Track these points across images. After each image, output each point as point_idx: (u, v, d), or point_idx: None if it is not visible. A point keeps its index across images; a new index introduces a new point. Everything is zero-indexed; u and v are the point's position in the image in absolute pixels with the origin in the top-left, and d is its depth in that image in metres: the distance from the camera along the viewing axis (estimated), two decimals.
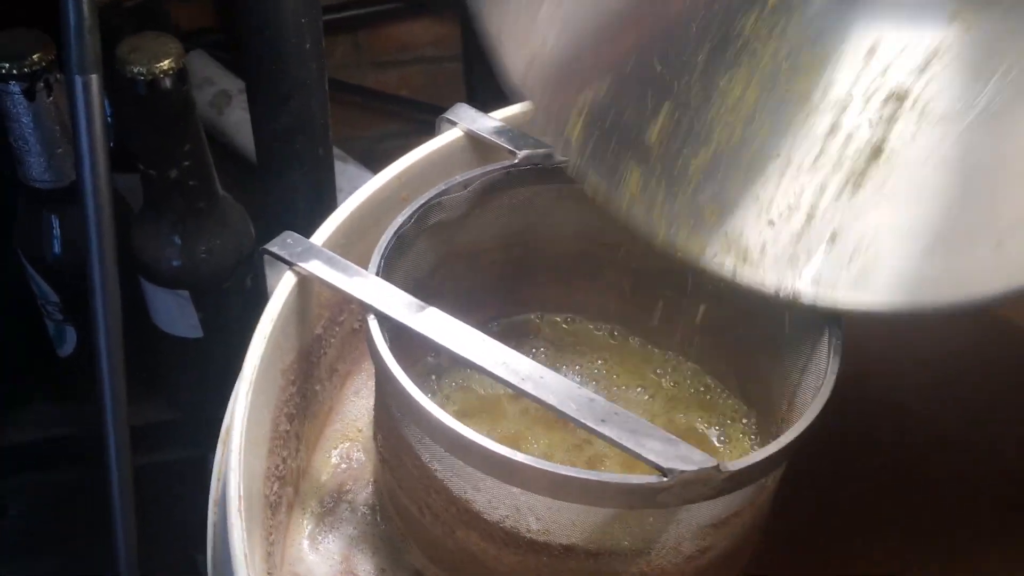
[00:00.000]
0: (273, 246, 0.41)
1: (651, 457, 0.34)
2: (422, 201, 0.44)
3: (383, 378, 0.38)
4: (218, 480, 0.38)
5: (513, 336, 0.53)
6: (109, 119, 0.58)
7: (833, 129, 0.39)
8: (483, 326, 0.52)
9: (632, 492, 0.34)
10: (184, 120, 0.54)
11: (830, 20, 0.39)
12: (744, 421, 0.49)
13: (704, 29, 0.39)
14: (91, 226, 0.54)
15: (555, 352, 0.52)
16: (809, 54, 0.39)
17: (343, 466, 0.46)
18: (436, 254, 0.47)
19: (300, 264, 0.40)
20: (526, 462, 0.34)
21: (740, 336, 0.48)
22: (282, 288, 0.40)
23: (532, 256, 0.51)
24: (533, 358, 0.51)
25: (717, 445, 0.49)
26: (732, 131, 0.40)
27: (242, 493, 0.33)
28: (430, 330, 0.38)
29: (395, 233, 0.43)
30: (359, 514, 0.44)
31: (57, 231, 0.59)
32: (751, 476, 0.36)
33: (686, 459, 0.34)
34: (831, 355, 0.40)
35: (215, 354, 0.64)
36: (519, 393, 0.36)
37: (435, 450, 0.37)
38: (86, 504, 0.73)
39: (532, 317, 0.54)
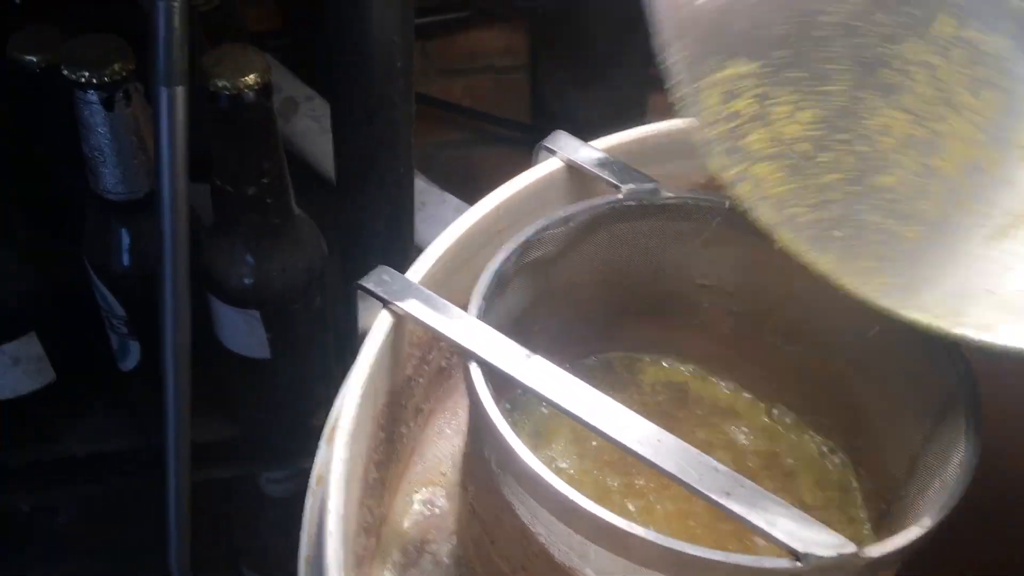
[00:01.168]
0: (368, 282, 0.38)
1: (784, 539, 0.31)
2: (522, 238, 0.41)
3: (485, 431, 0.35)
4: (309, 539, 0.35)
5: (608, 374, 0.50)
6: None
7: None
8: (577, 361, 0.50)
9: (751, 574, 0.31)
10: (267, 137, 0.51)
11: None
12: (854, 485, 0.46)
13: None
14: (167, 241, 0.52)
15: (647, 396, 0.49)
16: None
17: (426, 512, 0.44)
18: (534, 290, 0.44)
19: (396, 303, 0.38)
20: (646, 537, 0.31)
21: (850, 390, 0.45)
22: (378, 329, 0.37)
23: (629, 293, 0.48)
24: (627, 401, 0.49)
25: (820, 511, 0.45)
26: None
27: (340, 560, 0.30)
28: (538, 383, 0.36)
29: (495, 272, 0.40)
30: (443, 567, 0.42)
31: (127, 243, 0.57)
32: (891, 561, 0.33)
33: (823, 543, 0.31)
34: (969, 425, 0.37)
35: (281, 374, 0.62)
36: (634, 456, 0.34)
37: (540, 513, 0.35)
38: (136, 515, 0.72)
39: (627, 355, 0.51)
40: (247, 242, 0.56)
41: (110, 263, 0.57)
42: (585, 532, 0.33)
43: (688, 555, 0.31)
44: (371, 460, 0.38)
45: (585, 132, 0.49)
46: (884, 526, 0.43)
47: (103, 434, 0.67)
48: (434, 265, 0.40)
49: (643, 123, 0.50)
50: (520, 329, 0.45)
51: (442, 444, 0.46)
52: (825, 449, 0.48)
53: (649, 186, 0.44)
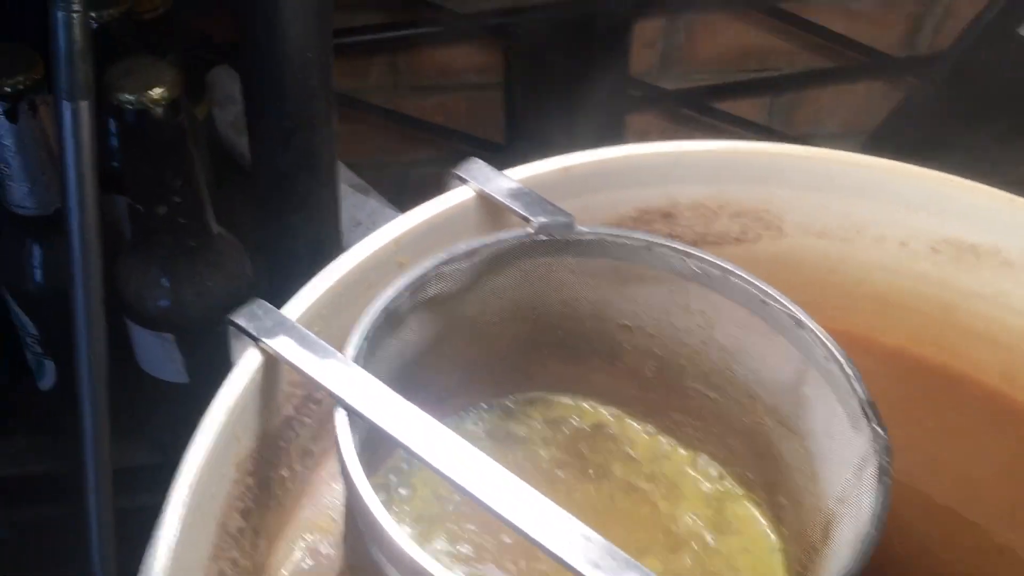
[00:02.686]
0: (239, 317, 0.36)
1: None
2: (417, 273, 0.39)
3: (347, 485, 0.33)
4: None
5: (525, 414, 0.47)
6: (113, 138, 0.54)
7: None
8: (495, 400, 0.47)
9: None
10: (176, 154, 0.49)
11: None
12: (773, 542, 0.43)
13: None
14: (76, 260, 0.50)
15: (555, 435, 0.47)
16: None
17: (308, 562, 0.41)
18: (436, 329, 0.42)
19: (266, 340, 0.35)
20: None
21: (771, 443, 0.43)
22: (242, 370, 0.35)
23: (546, 332, 0.45)
24: (534, 443, 0.46)
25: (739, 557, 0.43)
26: None
27: None
28: (405, 434, 0.33)
29: (383, 309, 0.37)
30: None
31: (39, 260, 0.54)
32: None
33: None
34: (878, 494, 0.34)
35: (201, 399, 0.59)
36: (496, 517, 0.31)
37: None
38: (59, 541, 0.69)
39: (546, 395, 0.48)
40: (162, 263, 0.53)
41: (22, 280, 0.55)
42: None
43: None
44: (232, 508, 0.35)
45: (560, 152, 0.46)
46: None
47: (21, 456, 0.64)
48: (317, 301, 0.38)
49: (622, 143, 0.48)
50: (419, 368, 0.42)
51: (335, 488, 0.43)
52: (749, 504, 0.45)
53: (563, 220, 0.42)
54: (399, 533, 0.30)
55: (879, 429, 0.35)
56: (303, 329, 0.36)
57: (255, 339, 0.35)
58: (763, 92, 1.11)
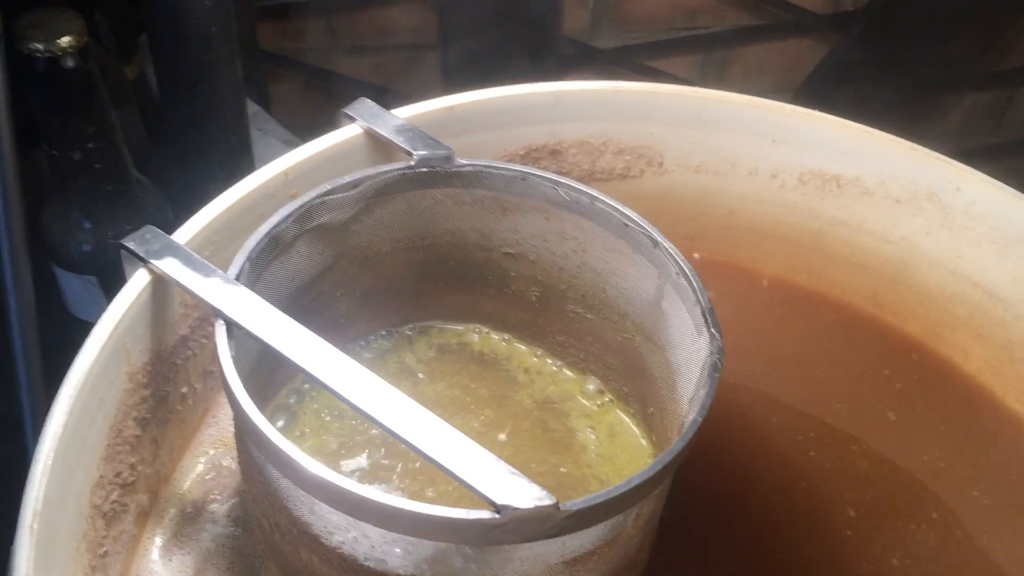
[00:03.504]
0: (130, 241, 0.39)
1: (485, 491, 0.32)
2: (303, 200, 0.42)
3: (225, 390, 0.36)
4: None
5: (415, 343, 0.50)
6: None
7: None
8: (393, 329, 0.51)
9: (462, 527, 0.32)
10: (87, 100, 0.52)
11: None
12: (645, 449, 0.47)
13: None
14: None
15: (451, 362, 0.50)
16: None
17: (212, 474, 0.44)
18: (324, 256, 0.45)
19: (154, 262, 0.38)
20: (347, 488, 0.32)
21: (640, 357, 0.46)
22: (130, 287, 0.38)
23: (436, 262, 0.49)
24: (428, 367, 0.50)
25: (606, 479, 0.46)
26: None
27: (39, 508, 0.31)
28: (278, 340, 0.36)
29: (267, 233, 0.40)
30: (220, 526, 0.42)
31: None
32: (598, 515, 0.33)
33: (523, 495, 0.32)
34: (705, 389, 0.37)
35: None
36: (355, 410, 0.34)
37: (269, 469, 0.35)
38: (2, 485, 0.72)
39: (442, 324, 0.51)
40: (81, 207, 0.56)
41: None
42: (302, 485, 0.34)
43: (389, 506, 0.32)
44: (128, 416, 0.38)
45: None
46: None
47: None
48: (206, 228, 0.41)
49: None
50: (315, 295, 0.45)
51: None
52: (624, 416, 0.48)
53: (443, 153, 0.45)
54: (266, 424, 0.33)
55: (715, 332, 0.39)
56: (189, 251, 0.39)
57: (143, 260, 0.38)
58: (694, 50, 1.14)
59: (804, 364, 0.52)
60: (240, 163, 0.56)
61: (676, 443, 0.35)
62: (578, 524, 0.33)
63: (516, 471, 0.32)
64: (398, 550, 0.35)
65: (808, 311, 0.56)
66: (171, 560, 0.41)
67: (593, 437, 0.47)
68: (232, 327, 0.36)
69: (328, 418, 0.46)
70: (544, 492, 0.32)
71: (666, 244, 0.42)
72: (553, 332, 0.50)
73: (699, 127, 0.52)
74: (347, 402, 0.34)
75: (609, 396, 0.49)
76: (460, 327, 0.51)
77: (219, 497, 0.43)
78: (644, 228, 0.43)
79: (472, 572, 0.35)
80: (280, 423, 0.46)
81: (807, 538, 0.46)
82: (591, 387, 0.49)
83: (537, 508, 0.32)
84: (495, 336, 0.51)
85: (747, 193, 0.54)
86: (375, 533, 0.34)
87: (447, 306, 0.51)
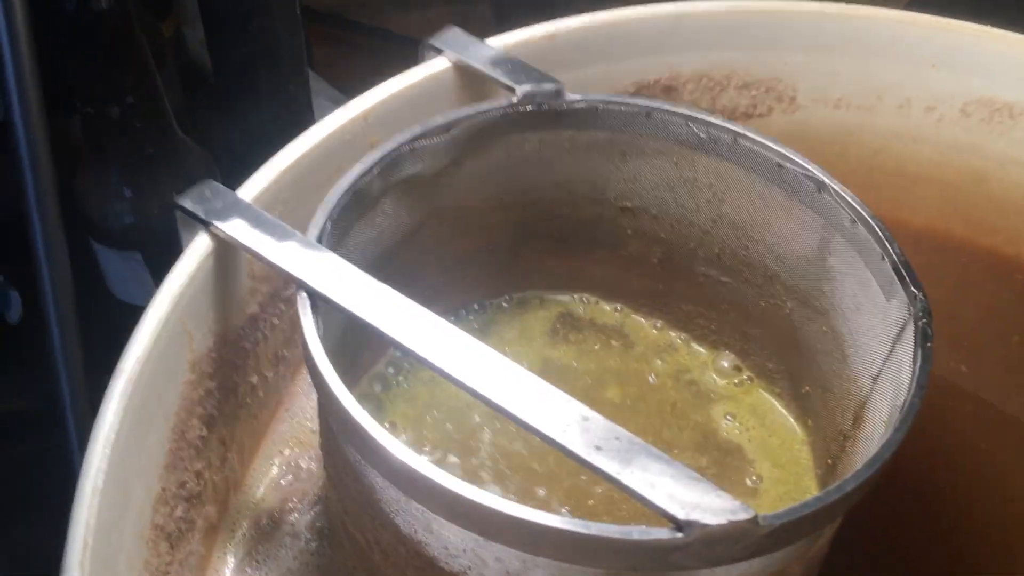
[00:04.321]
0: (186, 200, 0.32)
1: (661, 503, 0.24)
2: (389, 147, 0.34)
3: (313, 378, 0.29)
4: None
5: (516, 317, 0.43)
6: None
7: None
8: (487, 301, 0.43)
9: (632, 551, 0.25)
10: (124, 47, 0.44)
11: None
12: (798, 435, 0.39)
13: None
14: (27, 172, 0.46)
15: (562, 342, 0.43)
16: None
17: (288, 478, 0.37)
18: (412, 215, 0.38)
19: (217, 223, 0.31)
20: (484, 503, 0.25)
21: (792, 327, 0.39)
22: (189, 256, 0.31)
23: (538, 220, 0.41)
24: (535, 344, 0.42)
25: (760, 473, 0.39)
26: None
27: (90, 536, 0.24)
28: (379, 317, 0.29)
29: (350, 187, 0.33)
30: (302, 541, 0.35)
31: None
32: (801, 531, 0.26)
33: (711, 508, 0.24)
34: (917, 362, 0.30)
35: None
36: (488, 405, 0.27)
37: (370, 474, 0.28)
38: (39, 481, 0.66)
39: (544, 294, 0.44)
40: (121, 174, 0.49)
41: None
42: (421, 499, 0.26)
43: (535, 524, 0.24)
44: (191, 414, 0.31)
45: None
46: None
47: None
48: (275, 182, 0.34)
49: None
50: (403, 263, 0.38)
51: (315, 398, 0.39)
52: (770, 397, 0.41)
53: (551, 87, 0.37)
54: (371, 422, 0.26)
55: (916, 291, 0.31)
56: (258, 210, 0.31)
57: (204, 223, 0.31)
58: None
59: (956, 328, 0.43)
60: (301, 118, 0.48)
61: (893, 433, 0.27)
62: (778, 543, 0.26)
63: (699, 475, 0.25)
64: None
65: (962, 266, 0.48)
66: None
67: (735, 425, 0.40)
68: (317, 300, 0.29)
69: (423, 409, 0.39)
70: (738, 504, 0.25)
71: (836, 187, 0.34)
72: (678, 300, 0.42)
73: (844, 52, 0.43)
74: (467, 388, 0.27)
75: (748, 373, 0.41)
76: (565, 297, 0.44)
77: (299, 506, 0.36)
78: (806, 168, 0.35)
79: None
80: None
81: None
82: (725, 363, 0.42)
83: (732, 524, 0.24)
84: (606, 306, 0.44)
85: (896, 130, 0.46)
86: (512, 558, 0.27)
87: (550, 273, 0.43)
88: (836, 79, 0.45)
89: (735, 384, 0.41)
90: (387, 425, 0.38)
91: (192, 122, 0.59)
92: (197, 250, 0.31)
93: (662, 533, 0.24)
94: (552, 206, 0.41)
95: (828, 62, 0.44)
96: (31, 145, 0.46)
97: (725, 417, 0.40)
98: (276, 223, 0.31)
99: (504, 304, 0.44)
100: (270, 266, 0.30)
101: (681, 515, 0.24)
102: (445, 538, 0.28)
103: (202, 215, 0.31)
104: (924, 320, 0.30)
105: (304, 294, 0.29)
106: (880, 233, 0.33)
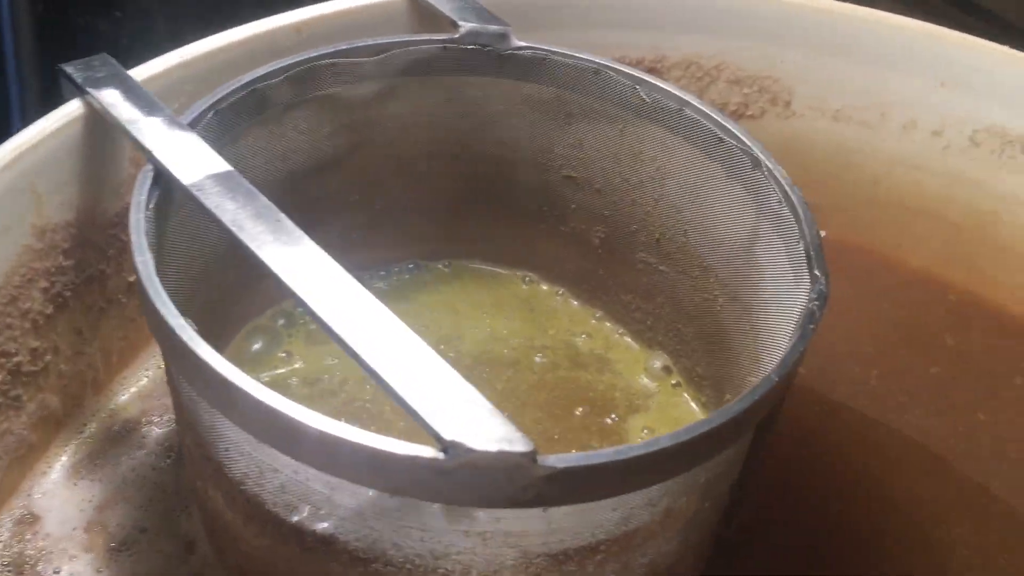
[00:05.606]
0: (71, 66, 0.31)
1: (429, 418, 0.21)
2: (303, 56, 0.33)
3: (133, 257, 0.26)
4: None
5: (447, 284, 0.41)
6: None
7: None
8: (423, 262, 0.41)
9: (393, 468, 0.22)
10: None
11: None
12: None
13: None
14: None
15: (487, 310, 0.40)
16: None
17: (157, 393, 0.35)
18: (335, 141, 0.36)
19: (92, 91, 0.30)
20: (248, 391, 0.22)
21: (725, 329, 0.35)
22: (54, 116, 0.29)
23: (477, 180, 0.39)
24: (456, 315, 0.39)
25: None
26: None
27: None
28: (217, 204, 0.26)
29: (247, 84, 0.31)
30: (147, 453, 0.33)
31: None
32: (598, 484, 0.22)
33: (486, 433, 0.21)
34: (799, 336, 0.26)
35: None
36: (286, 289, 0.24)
37: (175, 372, 0.26)
38: None
39: (484, 266, 0.41)
40: None
41: None
42: (206, 393, 0.24)
43: (297, 422, 0.22)
44: (31, 283, 0.30)
45: None
46: None
47: None
48: (177, 69, 0.32)
49: None
50: (316, 193, 0.36)
51: None
52: (696, 407, 0.37)
53: (495, 28, 0.35)
54: (174, 314, 0.24)
55: (818, 274, 0.27)
56: (141, 87, 0.30)
57: (81, 89, 0.30)
58: None
59: (945, 392, 0.39)
60: None
61: (733, 404, 0.24)
62: (565, 493, 0.22)
63: (485, 401, 0.22)
64: (316, 497, 0.24)
65: (963, 320, 0.43)
66: (75, 484, 0.32)
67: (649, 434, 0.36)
68: (164, 179, 0.27)
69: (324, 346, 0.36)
70: (519, 435, 0.21)
71: (770, 164, 0.31)
72: (617, 288, 0.39)
73: (845, 56, 0.40)
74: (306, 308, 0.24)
75: (677, 378, 0.38)
76: (505, 271, 0.41)
77: (157, 420, 0.34)
78: (744, 143, 0.32)
79: (412, 546, 0.24)
80: (257, 345, 0.37)
81: None
82: (657, 364, 0.38)
83: (502, 453, 0.21)
84: (545, 287, 0.41)
85: (898, 154, 0.42)
86: (287, 467, 0.24)
87: (491, 242, 0.41)
88: (838, 87, 0.41)
89: (661, 391, 0.38)
90: (283, 354, 0.36)
91: None
92: (63, 112, 0.29)
93: (423, 450, 0.21)
94: (495, 166, 0.38)
95: (830, 66, 0.41)
96: None
97: (643, 431, 0.37)
98: (151, 98, 0.29)
99: (441, 267, 0.41)
100: (125, 135, 0.28)
101: (446, 434, 0.21)
102: (227, 438, 0.25)
103: (79, 81, 0.30)
104: (816, 303, 0.26)
105: (149, 166, 0.27)
106: (801, 213, 0.29)
